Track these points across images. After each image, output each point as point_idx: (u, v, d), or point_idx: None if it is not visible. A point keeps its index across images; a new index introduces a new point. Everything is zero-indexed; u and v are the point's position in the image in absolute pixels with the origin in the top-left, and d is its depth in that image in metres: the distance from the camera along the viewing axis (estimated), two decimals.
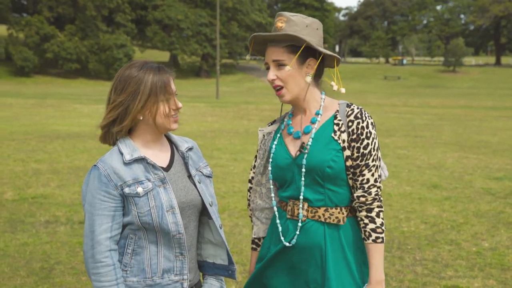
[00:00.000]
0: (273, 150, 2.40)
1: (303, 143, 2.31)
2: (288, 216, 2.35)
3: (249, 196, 2.56)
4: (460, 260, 5.44)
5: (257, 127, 18.41)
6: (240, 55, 75.62)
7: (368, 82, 62.19)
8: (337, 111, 2.34)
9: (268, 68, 2.36)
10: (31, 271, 5.04)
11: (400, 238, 6.14)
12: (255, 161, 2.51)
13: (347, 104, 2.35)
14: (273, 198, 2.46)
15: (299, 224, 2.30)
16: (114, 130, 2.15)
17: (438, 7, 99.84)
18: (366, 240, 2.27)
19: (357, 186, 2.28)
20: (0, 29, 69.42)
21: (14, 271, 5.02)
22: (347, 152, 2.27)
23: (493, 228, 6.54)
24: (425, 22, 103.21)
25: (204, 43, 67.50)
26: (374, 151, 2.27)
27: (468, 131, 17.85)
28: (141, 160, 2.13)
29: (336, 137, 2.28)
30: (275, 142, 2.41)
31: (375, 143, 2.28)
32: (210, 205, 2.24)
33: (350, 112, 2.30)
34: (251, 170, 2.55)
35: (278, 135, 2.43)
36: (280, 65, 2.30)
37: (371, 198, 2.25)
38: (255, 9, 73.79)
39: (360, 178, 2.26)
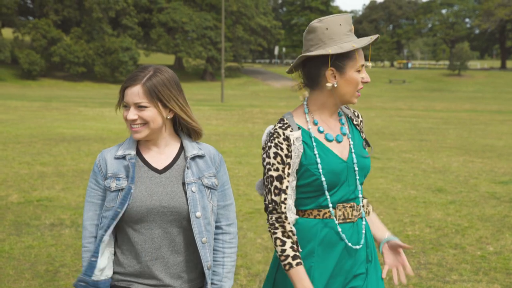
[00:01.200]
0: (318, 158, 2.29)
1: (350, 143, 2.39)
2: (340, 221, 2.31)
3: (284, 209, 2.25)
4: (465, 264, 5.43)
5: (262, 130, 18.39)
6: (245, 58, 75.64)
7: (373, 86, 62.15)
8: (346, 114, 2.47)
9: (358, 71, 2.33)
10: (36, 274, 5.05)
11: (404, 241, 6.13)
12: (288, 169, 2.26)
13: (345, 106, 2.49)
14: (331, 208, 2.31)
15: (363, 223, 2.39)
16: None
17: (443, 11, 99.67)
18: (368, 214, 2.47)
19: None
20: (6, 32, 69.67)
21: (19, 274, 5.03)
22: None
23: (498, 232, 6.53)
24: (430, 25, 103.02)
25: (209, 46, 67.57)
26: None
27: (473, 135, 17.81)
28: (130, 158, 2.20)
29: (363, 136, 2.46)
30: (315, 151, 2.29)
31: None
32: (197, 217, 2.18)
33: (357, 113, 2.50)
34: (284, 178, 2.27)
35: (314, 143, 2.30)
36: (365, 66, 2.39)
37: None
38: (260, 12, 73.81)
39: None
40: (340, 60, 2.27)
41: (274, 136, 2.29)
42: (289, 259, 2.21)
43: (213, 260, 2.29)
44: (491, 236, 6.39)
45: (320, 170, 2.26)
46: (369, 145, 2.46)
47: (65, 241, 5.98)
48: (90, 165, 10.71)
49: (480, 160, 12.25)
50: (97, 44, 61.99)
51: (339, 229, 2.29)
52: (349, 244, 2.31)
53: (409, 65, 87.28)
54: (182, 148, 2.27)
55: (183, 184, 2.20)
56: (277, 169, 2.27)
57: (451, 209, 7.64)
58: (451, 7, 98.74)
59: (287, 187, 2.25)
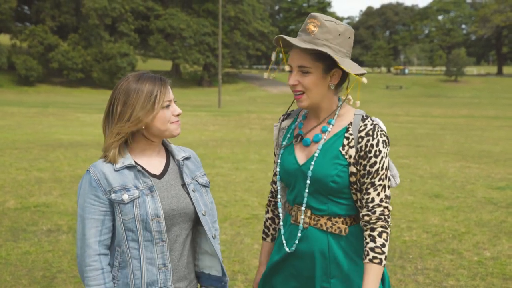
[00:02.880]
0: (282, 152, 2.38)
1: (316, 151, 2.29)
2: (292, 221, 2.36)
3: (272, 189, 2.59)
4: (462, 269, 5.44)
5: (259, 136, 18.43)
6: (242, 64, 75.64)
7: (370, 92, 62.24)
8: (351, 123, 2.28)
9: (290, 71, 2.28)
10: (33, 279, 5.04)
11: (401, 247, 6.14)
12: (275, 156, 2.51)
13: (363, 116, 2.28)
14: (279, 200, 2.45)
15: (299, 233, 2.31)
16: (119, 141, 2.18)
17: (440, 17, 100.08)
18: (363, 259, 2.19)
19: (362, 205, 2.24)
20: (3, 39, 69.67)
21: (16, 280, 5.02)
22: (352, 168, 2.23)
23: (495, 238, 6.54)
24: (426, 32, 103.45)
25: (207, 53, 67.65)
26: (381, 170, 2.21)
27: (470, 140, 17.85)
28: (132, 167, 2.16)
29: (343, 152, 2.23)
30: (285, 142, 2.40)
31: (383, 162, 2.22)
32: (203, 215, 2.25)
33: (362, 128, 2.23)
34: (275, 163, 2.49)
35: (288, 135, 2.41)
36: (304, 72, 2.24)
37: (375, 218, 2.19)
38: (257, 18, 73.94)
39: (366, 197, 2.22)
40: None
41: None
42: (262, 233, 2.58)
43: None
44: (488, 241, 6.40)
45: (279, 161, 2.39)
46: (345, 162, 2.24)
47: (62, 247, 5.97)
48: None
49: (477, 165, 12.27)
50: (94, 50, 61.98)
51: (281, 226, 2.40)
52: (284, 243, 2.36)
53: (406, 71, 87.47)
54: (168, 152, 2.32)
55: (183, 185, 2.25)
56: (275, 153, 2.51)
57: (448, 215, 7.65)
58: (448, 14, 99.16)
59: (275, 168, 2.47)
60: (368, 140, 2.21)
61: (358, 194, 2.26)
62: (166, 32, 66.60)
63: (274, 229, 2.55)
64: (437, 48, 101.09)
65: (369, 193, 2.21)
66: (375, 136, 2.21)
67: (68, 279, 5.05)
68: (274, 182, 2.53)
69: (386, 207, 2.21)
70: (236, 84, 70.57)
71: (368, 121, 2.25)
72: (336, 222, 2.27)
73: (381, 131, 2.25)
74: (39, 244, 6.07)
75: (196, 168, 2.34)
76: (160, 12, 67.92)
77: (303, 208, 2.30)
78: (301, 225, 2.31)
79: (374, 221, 2.19)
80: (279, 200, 2.45)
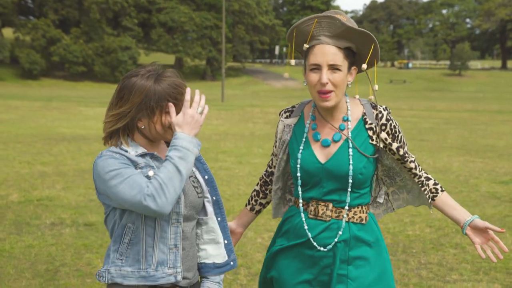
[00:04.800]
0: (299, 156, 2.36)
1: (349, 148, 2.33)
2: (311, 216, 2.37)
3: (263, 172, 2.68)
4: (465, 263, 5.43)
5: (262, 130, 18.41)
6: (245, 58, 75.52)
7: None
8: (364, 113, 2.36)
9: (313, 69, 2.26)
10: (36, 273, 5.05)
11: (405, 241, 6.13)
12: (275, 148, 2.56)
13: (372, 105, 2.38)
14: (301, 201, 2.42)
15: (340, 232, 2.33)
16: (116, 136, 2.17)
17: (444, 11, 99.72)
18: (439, 193, 2.52)
19: (412, 167, 2.48)
20: (6, 32, 69.67)
21: (19, 273, 5.03)
22: (383, 155, 2.38)
23: (498, 232, 6.51)
24: (430, 26, 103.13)
25: (210, 47, 67.50)
26: (403, 139, 2.44)
27: (474, 135, 17.81)
28: (145, 154, 2.15)
29: (374, 143, 2.34)
30: (301, 147, 2.37)
31: (402, 134, 2.44)
32: (209, 203, 2.32)
33: (380, 116, 2.36)
34: (272, 154, 2.62)
35: (304, 139, 2.38)
36: (335, 69, 2.24)
37: (424, 173, 2.54)
38: (262, 11, 73.71)
39: (410, 164, 2.45)
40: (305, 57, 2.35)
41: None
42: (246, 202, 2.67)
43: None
44: None
45: (298, 166, 2.35)
46: (374, 152, 2.36)
47: (66, 241, 5.98)
48: (90, 164, 10.69)
49: (481, 160, 12.24)
50: (96, 44, 61.93)
51: (305, 226, 2.37)
52: (312, 241, 2.35)
53: (410, 65, 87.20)
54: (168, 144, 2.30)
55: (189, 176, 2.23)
56: (274, 144, 2.57)
57: None
58: (452, 7, 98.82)
59: (271, 160, 2.61)
60: (390, 124, 2.36)
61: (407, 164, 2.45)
62: (168, 26, 66.46)
63: (255, 201, 2.65)
64: (441, 42, 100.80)
65: (411, 159, 2.46)
66: (392, 118, 2.39)
67: (71, 273, 5.06)
68: (270, 167, 2.62)
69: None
70: (240, 78, 70.47)
71: (380, 108, 2.37)
72: (356, 212, 2.35)
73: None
74: (42, 237, 6.08)
75: (200, 163, 2.35)
76: (162, 5, 67.74)
77: (346, 206, 2.34)
78: (343, 222, 2.34)
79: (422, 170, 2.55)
80: (301, 200, 2.42)
